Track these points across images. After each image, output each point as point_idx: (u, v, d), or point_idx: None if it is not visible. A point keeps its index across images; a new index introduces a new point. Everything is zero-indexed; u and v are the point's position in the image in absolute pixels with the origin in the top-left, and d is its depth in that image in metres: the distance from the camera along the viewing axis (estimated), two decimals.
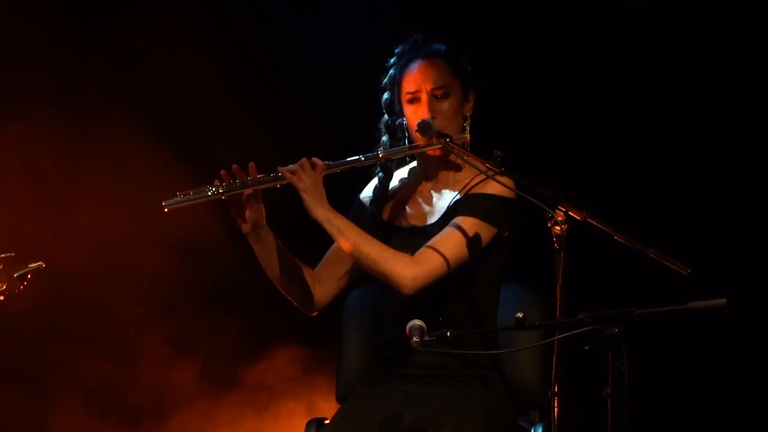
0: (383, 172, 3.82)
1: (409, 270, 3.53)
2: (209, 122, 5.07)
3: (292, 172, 3.57)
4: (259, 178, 3.59)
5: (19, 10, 4.93)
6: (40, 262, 3.48)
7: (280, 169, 3.58)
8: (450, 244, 3.56)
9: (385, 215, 3.80)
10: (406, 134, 3.74)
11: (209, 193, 3.57)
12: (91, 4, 5.04)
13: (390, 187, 3.83)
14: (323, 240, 3.72)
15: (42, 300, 4.76)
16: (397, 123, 3.77)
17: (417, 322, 3.13)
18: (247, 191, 3.58)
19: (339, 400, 3.91)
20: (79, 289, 4.98)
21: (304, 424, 3.82)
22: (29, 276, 3.46)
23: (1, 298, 3.43)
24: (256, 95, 5.13)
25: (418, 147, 3.68)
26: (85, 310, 5.02)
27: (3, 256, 3.43)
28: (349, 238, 3.55)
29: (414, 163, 3.85)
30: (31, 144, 4.95)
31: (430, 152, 3.69)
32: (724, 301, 2.96)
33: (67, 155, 4.96)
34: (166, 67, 5.06)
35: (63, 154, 4.96)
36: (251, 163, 3.59)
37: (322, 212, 3.56)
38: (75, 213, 4.98)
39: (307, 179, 3.56)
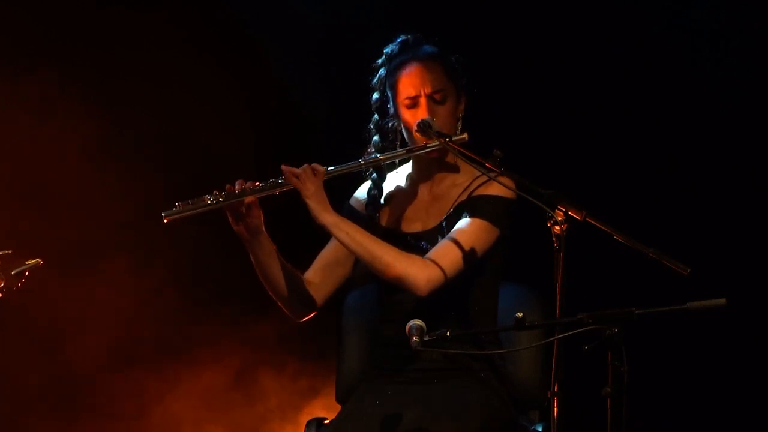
0: (376, 173, 3.80)
1: (423, 272, 3.51)
2: (209, 122, 5.06)
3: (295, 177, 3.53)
4: (258, 186, 3.56)
5: (18, 10, 4.93)
6: (38, 259, 3.48)
7: (284, 170, 3.55)
8: (461, 245, 3.55)
9: (384, 221, 3.77)
10: (400, 137, 3.73)
11: (209, 202, 3.52)
12: (90, 3, 5.04)
13: (384, 191, 3.81)
14: (315, 244, 3.71)
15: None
16: (389, 125, 3.76)
17: (417, 321, 3.13)
18: (248, 199, 3.56)
19: (339, 400, 3.90)
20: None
21: (304, 424, 3.82)
22: (27, 273, 3.46)
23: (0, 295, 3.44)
24: (256, 95, 5.13)
25: (418, 149, 3.65)
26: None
27: (0, 253, 3.43)
28: (360, 243, 3.52)
29: (406, 165, 3.83)
30: (28, 144, 4.95)
31: (427, 153, 3.67)
32: (723, 301, 2.96)
33: (65, 155, 4.96)
34: (166, 66, 5.05)
35: (61, 154, 4.96)
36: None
37: (330, 218, 3.53)
38: (75, 212, 4.98)
39: (311, 186, 3.52)
